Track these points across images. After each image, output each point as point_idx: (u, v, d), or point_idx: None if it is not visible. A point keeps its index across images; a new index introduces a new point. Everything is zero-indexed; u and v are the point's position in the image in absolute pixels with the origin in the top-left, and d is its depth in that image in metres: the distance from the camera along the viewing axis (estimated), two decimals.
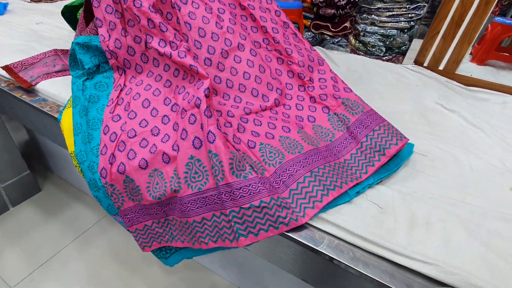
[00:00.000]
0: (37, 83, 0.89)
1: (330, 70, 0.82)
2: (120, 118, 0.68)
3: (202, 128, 0.59)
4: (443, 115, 1.04)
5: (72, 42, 0.75)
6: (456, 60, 1.30)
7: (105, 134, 0.67)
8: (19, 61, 0.96)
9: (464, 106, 1.09)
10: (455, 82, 1.27)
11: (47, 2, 1.93)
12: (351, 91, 0.78)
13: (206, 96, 0.61)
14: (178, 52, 0.65)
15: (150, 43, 0.66)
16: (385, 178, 0.67)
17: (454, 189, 0.68)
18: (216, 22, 0.73)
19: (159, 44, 0.66)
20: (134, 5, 0.65)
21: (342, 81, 0.81)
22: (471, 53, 1.77)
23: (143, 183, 0.61)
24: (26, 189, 1.22)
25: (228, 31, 0.74)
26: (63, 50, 1.04)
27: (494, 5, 1.16)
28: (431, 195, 0.65)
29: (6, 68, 0.94)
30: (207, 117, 0.58)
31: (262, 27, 0.81)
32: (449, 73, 1.31)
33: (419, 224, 0.58)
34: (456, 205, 0.63)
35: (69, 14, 1.24)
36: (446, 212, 0.61)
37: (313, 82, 0.80)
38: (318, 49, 1.45)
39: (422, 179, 0.70)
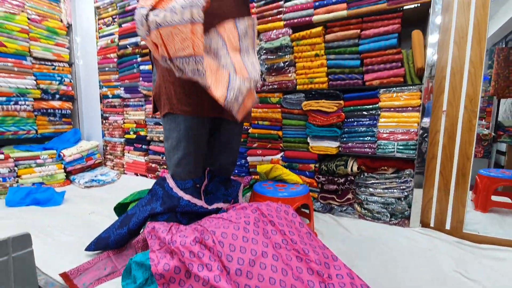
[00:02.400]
0: None
1: (345, 265, 0.93)
2: None
3: None
4: (463, 286, 1.05)
5: (131, 258, 0.93)
6: (458, 220, 1.41)
7: None
8: (75, 268, 1.13)
9: (482, 271, 1.12)
10: (465, 242, 1.34)
11: (97, 186, 2.35)
12: (368, 287, 0.86)
13: None
14: (214, 276, 0.79)
15: (192, 270, 0.83)
16: None
17: None
18: (243, 236, 0.92)
19: (198, 269, 0.82)
20: (180, 244, 0.86)
21: (358, 276, 0.90)
22: (472, 200, 1.91)
23: None
24: None
25: (252, 242, 0.92)
26: (114, 251, 1.22)
27: (470, 176, 1.38)
28: None
29: (64, 275, 1.09)
30: None
31: (280, 230, 0.99)
32: (457, 232, 1.40)
33: None
34: None
35: (119, 209, 1.52)
36: None
37: (331, 279, 0.89)
38: (328, 216, 1.63)
39: None
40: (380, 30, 1.40)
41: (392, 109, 1.44)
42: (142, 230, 1.18)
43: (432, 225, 1.47)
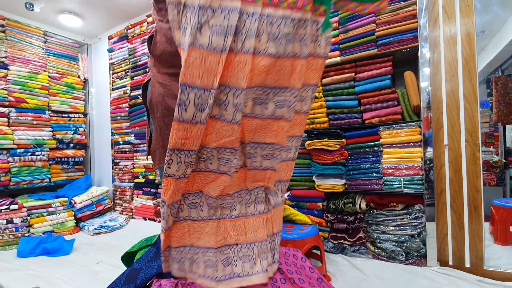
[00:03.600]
0: None
1: None
2: None
3: None
4: None
5: None
6: (477, 257, 1.35)
7: None
8: None
9: None
10: (488, 280, 1.26)
11: (106, 233, 2.35)
12: None
13: None
14: None
15: None
16: None
17: None
18: None
19: None
20: None
21: None
22: (490, 233, 1.82)
23: None
24: None
25: None
26: None
27: (483, 209, 1.35)
28: None
29: None
30: None
31: (290, 278, 0.97)
32: (478, 270, 1.33)
33: None
34: None
35: (127, 258, 1.50)
36: None
37: None
38: (341, 257, 1.57)
39: None
40: (373, 72, 1.49)
41: (394, 145, 1.46)
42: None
43: (450, 263, 1.40)
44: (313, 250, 1.51)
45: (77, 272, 1.65)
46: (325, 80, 1.63)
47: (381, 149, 1.50)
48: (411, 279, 1.32)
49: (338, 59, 1.58)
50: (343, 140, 1.57)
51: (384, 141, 1.48)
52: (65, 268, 1.71)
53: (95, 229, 2.34)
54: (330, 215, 1.61)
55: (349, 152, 1.58)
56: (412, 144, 1.43)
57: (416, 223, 1.41)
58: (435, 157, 1.41)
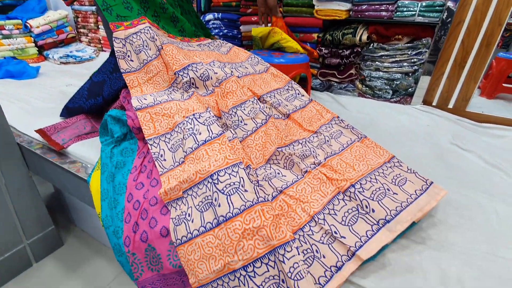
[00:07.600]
0: (68, 145, 0.96)
1: None
2: (143, 185, 0.72)
3: None
4: (460, 156, 1.03)
5: (105, 114, 0.83)
6: (464, 99, 1.32)
7: (129, 202, 0.70)
8: (52, 125, 1.05)
9: (480, 145, 1.09)
10: (467, 120, 1.27)
11: (75, 63, 2.13)
12: None
13: None
14: None
15: None
16: (407, 231, 0.66)
17: (484, 241, 0.65)
18: None
19: None
20: None
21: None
22: (479, 87, 1.79)
23: (164, 251, 0.62)
24: (50, 244, 1.24)
25: None
26: (93, 115, 1.13)
27: (495, 46, 1.20)
28: (460, 249, 0.63)
29: (40, 131, 1.02)
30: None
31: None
32: (460, 111, 1.33)
33: (451, 284, 0.56)
34: (489, 259, 0.60)
35: None
36: (479, 269, 0.58)
37: None
38: (326, 94, 1.51)
39: (448, 231, 0.68)
40: None
41: None
42: None
43: (434, 103, 1.38)
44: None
45: (46, 92, 1.55)
46: None
47: None
48: (391, 114, 1.31)
49: None
50: None
51: None
52: (33, 89, 1.60)
53: (60, 57, 2.10)
54: (324, 48, 1.43)
55: None
56: None
57: (415, 59, 1.28)
58: None
